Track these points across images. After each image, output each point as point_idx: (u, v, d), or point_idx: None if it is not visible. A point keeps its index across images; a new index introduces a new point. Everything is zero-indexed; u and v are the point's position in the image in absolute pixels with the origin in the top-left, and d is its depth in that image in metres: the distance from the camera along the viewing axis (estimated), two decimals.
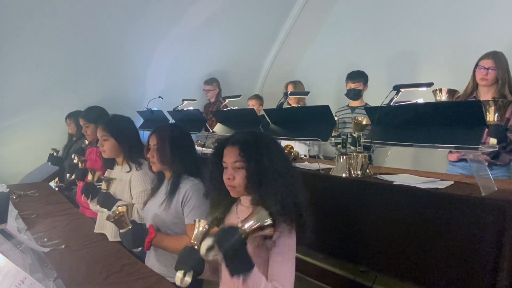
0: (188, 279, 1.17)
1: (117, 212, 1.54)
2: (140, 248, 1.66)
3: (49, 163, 3.44)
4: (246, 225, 1.08)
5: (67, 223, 2.19)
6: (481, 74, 2.31)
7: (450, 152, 2.47)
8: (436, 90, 1.83)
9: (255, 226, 1.08)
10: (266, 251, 1.20)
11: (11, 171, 3.63)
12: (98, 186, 2.10)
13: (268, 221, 1.10)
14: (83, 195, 2.13)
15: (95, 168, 2.54)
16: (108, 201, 1.95)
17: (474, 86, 2.39)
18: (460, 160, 2.42)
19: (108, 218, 1.55)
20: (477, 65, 2.35)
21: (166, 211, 1.64)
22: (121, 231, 1.56)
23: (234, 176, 1.24)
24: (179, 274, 1.18)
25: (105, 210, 1.96)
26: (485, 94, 2.35)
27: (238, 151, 1.23)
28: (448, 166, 2.56)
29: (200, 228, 1.22)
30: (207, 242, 1.12)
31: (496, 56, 2.29)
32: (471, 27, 3.10)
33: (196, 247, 1.20)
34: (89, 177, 2.19)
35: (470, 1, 3.16)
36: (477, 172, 1.57)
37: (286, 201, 1.18)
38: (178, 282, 1.17)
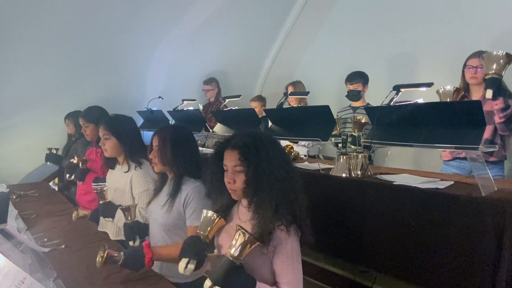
0: (191, 266, 1.19)
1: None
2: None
3: (48, 162, 3.43)
4: (233, 251, 1.11)
5: (67, 223, 2.19)
6: (470, 73, 2.36)
7: (443, 150, 2.47)
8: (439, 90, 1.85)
9: (241, 247, 1.11)
10: (264, 255, 1.20)
11: (11, 171, 3.62)
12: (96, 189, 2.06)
13: (250, 240, 1.12)
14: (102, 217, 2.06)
15: (93, 167, 2.55)
16: (109, 210, 1.93)
17: (465, 85, 2.43)
18: (454, 159, 2.44)
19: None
20: (465, 65, 2.40)
21: (168, 213, 1.64)
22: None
23: (234, 179, 1.24)
24: (183, 262, 1.19)
25: (110, 219, 1.96)
26: (477, 92, 2.40)
27: (238, 155, 1.23)
28: (442, 166, 2.57)
29: (208, 216, 1.26)
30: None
31: (482, 55, 2.31)
32: (470, 27, 3.10)
33: (202, 236, 1.25)
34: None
35: (469, 2, 3.16)
36: (476, 171, 1.57)
37: (280, 206, 1.19)
38: (181, 270, 1.18)
